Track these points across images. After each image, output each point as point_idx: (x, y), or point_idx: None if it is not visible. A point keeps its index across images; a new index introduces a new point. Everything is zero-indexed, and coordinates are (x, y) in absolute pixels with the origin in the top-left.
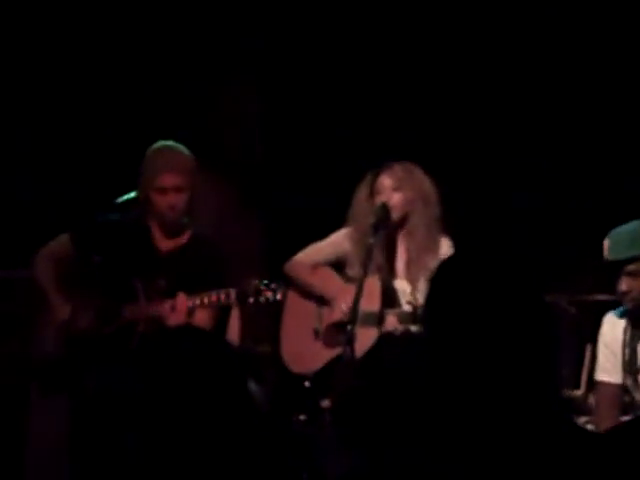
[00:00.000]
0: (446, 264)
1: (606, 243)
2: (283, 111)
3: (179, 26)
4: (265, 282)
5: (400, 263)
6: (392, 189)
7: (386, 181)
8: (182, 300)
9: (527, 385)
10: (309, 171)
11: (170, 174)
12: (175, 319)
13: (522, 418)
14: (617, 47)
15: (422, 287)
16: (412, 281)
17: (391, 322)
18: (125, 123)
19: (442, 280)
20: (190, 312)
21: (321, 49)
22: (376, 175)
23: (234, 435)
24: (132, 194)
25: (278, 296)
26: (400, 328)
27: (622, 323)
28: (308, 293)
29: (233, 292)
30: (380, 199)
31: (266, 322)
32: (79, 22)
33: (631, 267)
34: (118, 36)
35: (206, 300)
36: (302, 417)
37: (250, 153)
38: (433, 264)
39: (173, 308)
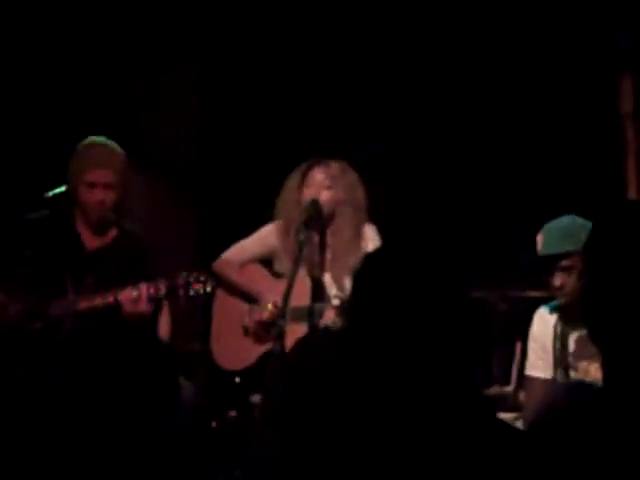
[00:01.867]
0: (370, 258)
1: (540, 238)
2: (218, 105)
3: (118, 17)
4: (195, 275)
5: (327, 258)
6: (324, 186)
7: (319, 176)
8: (145, 288)
9: (446, 380)
10: (241, 166)
11: (99, 170)
12: (138, 308)
13: (441, 413)
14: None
15: (346, 284)
16: (336, 278)
17: (329, 316)
18: (58, 118)
19: (365, 274)
20: (155, 301)
21: (260, 42)
22: (309, 168)
23: (158, 431)
24: (61, 188)
25: (208, 289)
26: (338, 322)
27: (553, 319)
28: (237, 291)
29: (163, 285)
30: (311, 194)
31: (197, 319)
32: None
33: (565, 262)
34: (53, 28)
35: (152, 290)
36: (232, 413)
37: (183, 148)
38: (355, 262)
39: (137, 297)
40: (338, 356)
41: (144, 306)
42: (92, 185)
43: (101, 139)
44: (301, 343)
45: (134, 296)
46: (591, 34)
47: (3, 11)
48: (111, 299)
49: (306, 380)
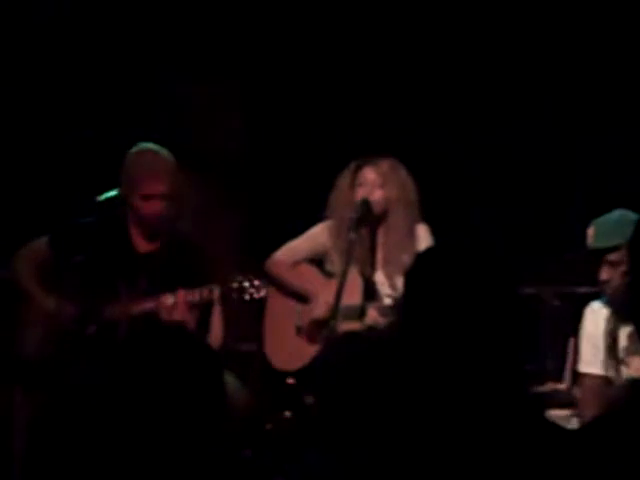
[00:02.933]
0: (422, 257)
1: (590, 231)
2: (266, 108)
3: (162, 25)
4: (249, 278)
5: (379, 257)
6: (375, 184)
7: (370, 175)
8: (183, 295)
9: (496, 377)
10: (291, 167)
11: (155, 181)
12: (176, 315)
13: (490, 410)
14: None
15: (399, 282)
16: (389, 276)
17: (372, 316)
18: (108, 123)
19: (417, 273)
20: (191, 308)
21: (303, 47)
22: (360, 167)
23: (208, 436)
24: (113, 192)
25: (262, 293)
26: (381, 321)
27: (604, 314)
28: (289, 291)
29: (216, 289)
30: (362, 193)
31: (250, 320)
32: (56, 22)
33: (612, 256)
34: (99, 33)
35: (190, 297)
36: (287, 414)
37: (234, 150)
38: (410, 261)
39: (175, 303)
40: (382, 354)
41: (181, 314)
42: (147, 197)
43: (152, 146)
44: (347, 338)
45: (171, 303)
46: None
47: (56, 20)
48: (152, 305)
49: (354, 380)
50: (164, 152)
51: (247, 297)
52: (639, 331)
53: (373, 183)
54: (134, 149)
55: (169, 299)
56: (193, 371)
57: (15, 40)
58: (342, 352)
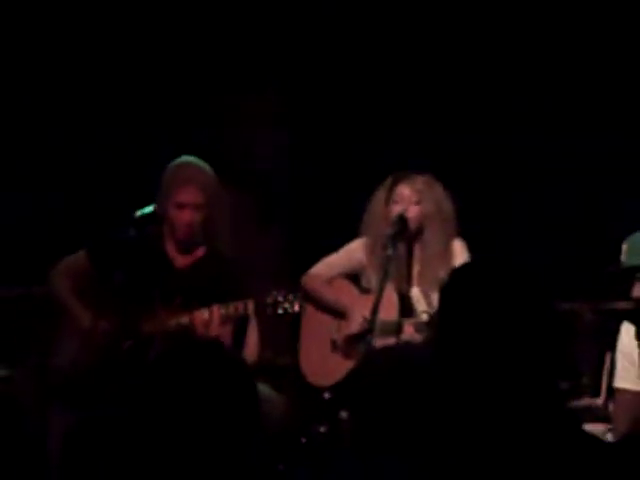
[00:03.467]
0: (457, 272)
1: (624, 248)
2: (307, 121)
3: (206, 37)
4: (283, 293)
5: (415, 273)
6: (411, 201)
7: (406, 191)
8: (217, 310)
9: (532, 392)
10: (328, 182)
11: (188, 190)
12: (209, 330)
13: (527, 425)
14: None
15: (435, 298)
16: (425, 292)
17: (409, 332)
18: (144, 136)
19: (453, 289)
20: (224, 323)
21: (349, 62)
22: (395, 183)
23: (241, 451)
24: (150, 208)
25: (296, 307)
26: (417, 337)
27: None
28: (325, 306)
29: (251, 303)
30: (398, 209)
31: (286, 334)
32: (96, 31)
33: None
34: (142, 47)
35: (224, 312)
36: (323, 428)
37: (271, 165)
38: (444, 276)
39: (209, 319)
40: (419, 371)
41: (216, 329)
42: (181, 205)
43: (191, 159)
44: (385, 352)
45: (205, 318)
46: None
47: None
48: (187, 320)
49: (390, 396)
50: (202, 164)
51: (281, 311)
52: None
53: (409, 200)
54: (173, 162)
55: (204, 314)
56: (227, 387)
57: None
58: (379, 367)
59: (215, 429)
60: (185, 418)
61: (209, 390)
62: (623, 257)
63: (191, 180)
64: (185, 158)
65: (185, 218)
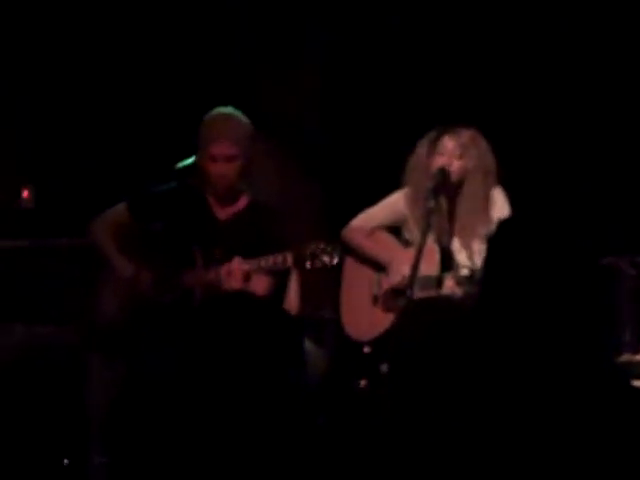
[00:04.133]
0: (504, 226)
1: None
2: (345, 79)
3: (243, 6)
4: (322, 246)
5: (456, 225)
6: (454, 154)
7: (450, 144)
8: (238, 263)
9: (578, 347)
10: (367, 134)
11: (221, 143)
12: (231, 283)
13: (574, 380)
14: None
15: (476, 249)
16: (465, 245)
17: (449, 286)
18: (189, 91)
19: (500, 241)
20: (247, 277)
21: (385, 17)
22: (440, 135)
23: (286, 403)
24: (190, 160)
25: (335, 260)
26: (458, 291)
27: None
28: (366, 259)
29: (290, 256)
30: (441, 162)
31: (328, 287)
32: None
33: None
34: (181, 13)
35: (263, 264)
36: (363, 382)
37: (311, 119)
38: (483, 229)
39: (229, 272)
40: (460, 326)
41: (236, 282)
42: (214, 158)
43: (226, 110)
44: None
45: (227, 271)
46: None
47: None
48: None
49: (431, 349)
50: (238, 116)
51: (320, 264)
52: None
53: (452, 153)
54: (209, 113)
55: (227, 267)
56: (270, 339)
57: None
58: (418, 320)
59: (260, 377)
60: (229, 369)
61: (249, 339)
62: None
63: (223, 132)
64: (219, 110)
65: (219, 170)
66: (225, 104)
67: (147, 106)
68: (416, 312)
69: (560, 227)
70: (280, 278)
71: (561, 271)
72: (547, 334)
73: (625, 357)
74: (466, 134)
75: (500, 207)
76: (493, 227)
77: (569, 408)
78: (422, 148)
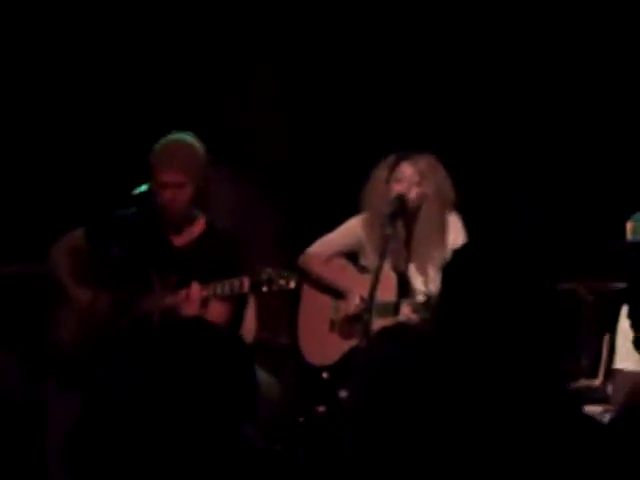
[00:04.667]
0: (459, 253)
1: (630, 225)
2: (305, 99)
3: (206, 20)
4: (279, 270)
5: (413, 251)
6: (413, 181)
7: (408, 171)
8: (195, 289)
9: (533, 373)
10: (328, 162)
11: (170, 170)
12: (189, 309)
13: (527, 406)
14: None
15: (432, 275)
16: (422, 271)
17: (405, 312)
18: (142, 115)
19: (454, 268)
20: (204, 302)
21: (346, 35)
22: (398, 162)
23: (237, 428)
24: (145, 186)
25: (292, 284)
26: (414, 318)
27: None
28: (323, 285)
29: (246, 281)
30: (399, 189)
31: (284, 314)
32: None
33: None
34: (142, 26)
35: (219, 289)
36: (321, 409)
37: (270, 143)
38: (439, 254)
39: (187, 297)
40: (416, 352)
41: (193, 308)
42: (164, 185)
43: (176, 136)
44: (385, 333)
45: (183, 298)
46: None
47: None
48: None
49: (386, 375)
50: (187, 141)
51: (277, 288)
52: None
53: (410, 179)
54: (159, 141)
55: (183, 293)
56: (218, 363)
57: None
58: (376, 349)
59: (208, 405)
60: (180, 396)
61: (200, 365)
62: (628, 235)
63: (172, 159)
64: (170, 136)
65: (168, 197)
66: (184, 127)
67: (104, 130)
68: (373, 341)
69: (515, 254)
70: (237, 304)
71: (515, 298)
72: (501, 360)
73: (582, 382)
74: (424, 161)
75: (456, 233)
76: (448, 253)
77: (519, 433)
78: (380, 174)
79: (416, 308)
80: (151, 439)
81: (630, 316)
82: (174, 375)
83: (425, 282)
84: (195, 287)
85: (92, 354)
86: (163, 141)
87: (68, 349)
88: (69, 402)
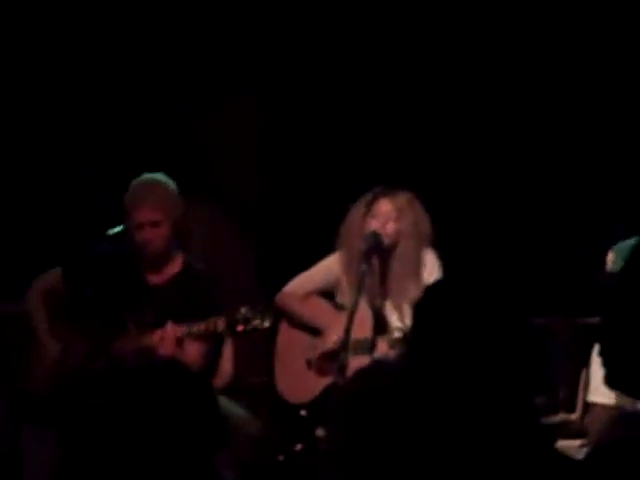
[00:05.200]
0: (430, 289)
1: (610, 256)
2: (281, 140)
3: (173, 51)
4: (254, 309)
5: (389, 287)
6: (390, 217)
7: (385, 207)
8: (170, 329)
9: (506, 409)
10: (306, 198)
11: (145, 208)
12: (164, 349)
13: (499, 442)
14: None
15: (407, 311)
16: (398, 307)
17: (382, 349)
18: (115, 153)
19: (426, 305)
20: (179, 342)
21: (319, 71)
22: (376, 197)
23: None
24: (119, 228)
25: (267, 323)
26: (391, 354)
27: None
28: (300, 324)
29: (222, 320)
30: (376, 225)
31: (261, 351)
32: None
33: None
34: (104, 56)
35: (195, 329)
36: (298, 447)
37: (247, 183)
38: (415, 290)
39: (162, 338)
40: (393, 388)
41: (168, 348)
42: (139, 225)
43: (149, 176)
44: (362, 374)
45: (159, 338)
46: None
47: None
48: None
49: (365, 411)
50: (161, 180)
51: (251, 327)
52: (605, 371)
53: (388, 216)
54: (133, 181)
55: (159, 334)
56: (185, 403)
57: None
58: (354, 389)
59: (177, 446)
60: (148, 436)
61: (166, 407)
62: (609, 265)
63: (146, 198)
64: (143, 177)
65: (145, 236)
66: (158, 168)
67: (77, 167)
68: (351, 378)
69: (487, 290)
70: (212, 343)
71: (488, 334)
72: (473, 397)
73: (560, 416)
74: (402, 197)
75: (431, 269)
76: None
77: (492, 469)
78: (357, 211)
79: (393, 344)
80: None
81: (601, 354)
82: (143, 417)
83: (401, 318)
84: (170, 327)
85: (66, 396)
86: (136, 181)
87: (42, 391)
88: (45, 446)
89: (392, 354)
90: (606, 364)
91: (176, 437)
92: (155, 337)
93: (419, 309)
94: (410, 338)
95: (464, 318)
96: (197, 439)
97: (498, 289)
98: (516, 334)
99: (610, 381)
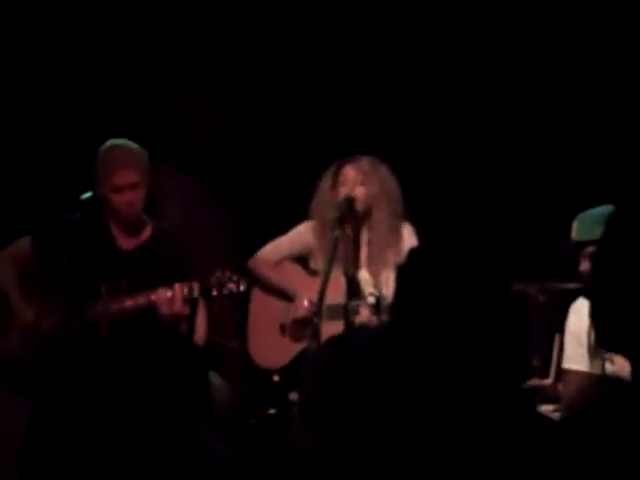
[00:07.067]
0: (413, 254)
1: (574, 224)
2: (252, 102)
3: (148, 21)
4: (228, 274)
5: (363, 255)
6: (357, 182)
7: (351, 173)
8: (179, 289)
9: (487, 373)
10: (278, 164)
11: (124, 172)
12: (175, 308)
13: (481, 406)
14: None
15: (384, 279)
16: (374, 274)
17: (364, 314)
18: (85, 120)
19: (409, 270)
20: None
21: (290, 44)
22: (341, 166)
23: (190, 432)
24: (89, 194)
25: (242, 287)
26: (374, 319)
27: (588, 310)
28: (273, 289)
29: (196, 285)
30: (344, 191)
31: (235, 318)
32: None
33: (591, 248)
34: (78, 27)
35: (170, 293)
36: (271, 411)
37: (218, 149)
38: (394, 257)
39: (172, 297)
40: (374, 354)
41: (179, 307)
42: (119, 188)
43: (120, 141)
44: (335, 341)
45: (169, 297)
46: None
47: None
48: (144, 301)
49: (339, 378)
50: (133, 145)
51: (226, 291)
52: (597, 333)
53: (354, 181)
54: (103, 145)
55: (167, 292)
56: (178, 367)
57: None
58: (328, 355)
59: (164, 408)
60: (134, 399)
61: (158, 371)
62: (573, 233)
63: (125, 161)
64: (113, 141)
65: (125, 199)
66: (129, 136)
67: (45, 139)
68: (325, 344)
69: (470, 254)
70: (189, 310)
71: (471, 298)
72: (456, 362)
73: (533, 382)
74: (366, 162)
75: (409, 241)
76: (404, 257)
77: (475, 433)
78: (325, 180)
79: (375, 310)
80: (106, 443)
81: (592, 315)
82: (129, 378)
83: (375, 284)
84: (178, 287)
85: (40, 360)
86: (108, 146)
87: (16, 358)
88: (18, 409)
89: (375, 319)
90: (598, 326)
91: (165, 400)
92: (160, 297)
93: (403, 272)
94: (393, 301)
95: (448, 281)
96: (186, 404)
97: (479, 255)
98: (498, 299)
99: (603, 342)
